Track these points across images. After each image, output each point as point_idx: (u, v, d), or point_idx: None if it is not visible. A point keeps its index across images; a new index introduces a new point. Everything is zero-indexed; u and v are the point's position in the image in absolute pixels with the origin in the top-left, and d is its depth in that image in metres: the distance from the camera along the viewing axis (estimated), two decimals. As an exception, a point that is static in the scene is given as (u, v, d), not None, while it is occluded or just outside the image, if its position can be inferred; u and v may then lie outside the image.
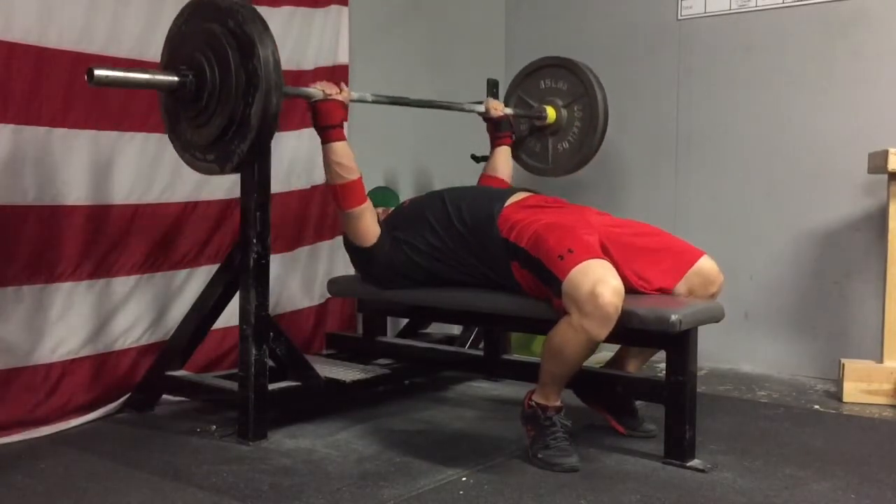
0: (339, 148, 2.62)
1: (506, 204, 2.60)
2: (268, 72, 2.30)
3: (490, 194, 2.74)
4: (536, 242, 2.41)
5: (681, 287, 2.51)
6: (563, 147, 3.55)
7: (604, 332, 2.25)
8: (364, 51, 3.70)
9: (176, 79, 2.40)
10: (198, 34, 2.43)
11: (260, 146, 2.40)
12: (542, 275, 2.38)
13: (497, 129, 3.32)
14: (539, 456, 2.36)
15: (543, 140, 3.58)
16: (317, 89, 2.61)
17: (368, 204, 2.71)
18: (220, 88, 2.37)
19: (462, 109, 3.28)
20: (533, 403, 2.43)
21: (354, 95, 2.75)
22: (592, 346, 2.30)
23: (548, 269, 2.33)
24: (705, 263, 2.53)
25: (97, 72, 2.23)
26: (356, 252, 2.81)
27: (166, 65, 2.53)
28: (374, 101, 2.92)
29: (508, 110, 3.37)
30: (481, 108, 3.28)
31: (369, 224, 2.71)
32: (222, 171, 2.48)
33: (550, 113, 3.49)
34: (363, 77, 3.68)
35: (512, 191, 2.77)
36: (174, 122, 2.56)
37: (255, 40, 2.30)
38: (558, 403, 2.42)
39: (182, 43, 2.48)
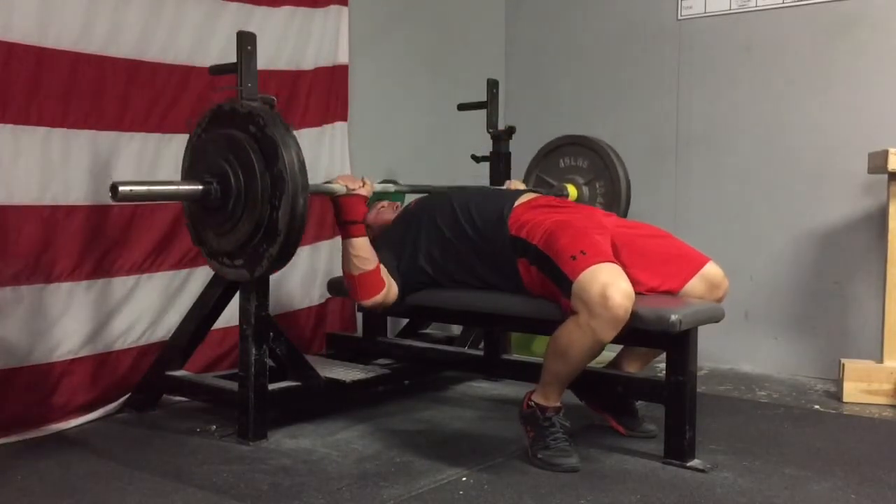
0: (360, 243, 2.58)
1: (516, 204, 2.60)
2: (293, 174, 2.30)
3: (498, 195, 2.74)
4: (549, 240, 2.41)
5: (686, 291, 2.52)
6: None
7: (611, 335, 2.25)
8: (364, 51, 3.70)
9: (200, 187, 2.40)
10: (219, 141, 2.43)
11: (289, 249, 2.38)
12: (552, 273, 2.37)
13: None
14: (539, 456, 2.36)
15: None
16: (340, 185, 2.58)
17: (386, 289, 2.64)
18: (245, 194, 2.36)
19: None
20: (532, 404, 2.43)
21: (378, 188, 2.73)
22: (598, 348, 2.30)
23: (559, 267, 2.33)
24: (711, 269, 2.54)
25: (122, 188, 2.21)
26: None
27: (188, 173, 2.52)
28: (396, 191, 2.92)
29: (528, 188, 3.30)
30: (503, 188, 3.24)
31: (390, 303, 2.68)
32: (252, 277, 2.46)
33: (572, 191, 3.47)
34: (363, 77, 3.69)
35: (521, 192, 2.76)
36: (200, 230, 2.55)
37: (279, 143, 2.31)
38: (558, 404, 2.42)
39: (204, 150, 2.47)
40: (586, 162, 3.49)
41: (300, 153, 2.33)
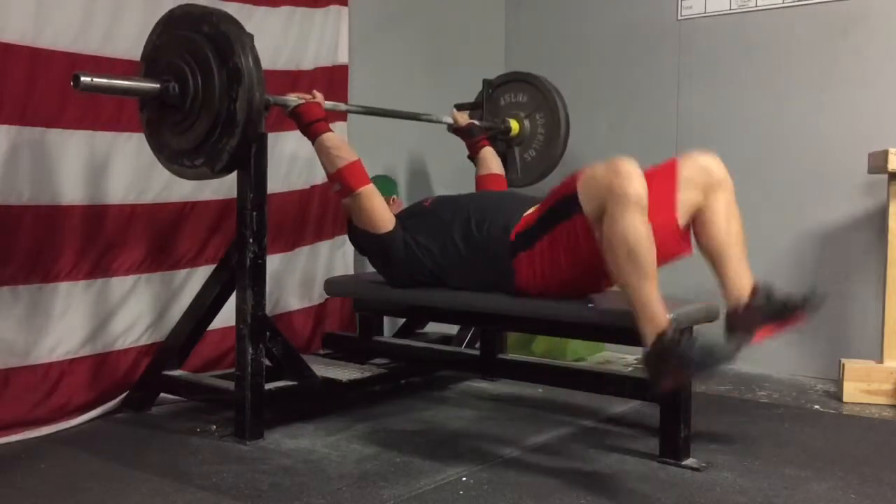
0: (330, 137, 2.69)
1: (522, 217, 2.56)
2: (248, 67, 2.37)
3: (508, 211, 2.67)
4: (543, 207, 2.44)
5: (683, 199, 2.36)
6: (529, 156, 3.66)
7: (640, 189, 2.10)
8: (364, 51, 3.70)
9: (158, 85, 2.45)
10: (174, 43, 2.49)
11: (248, 140, 2.42)
12: (558, 213, 2.35)
13: (468, 136, 3.38)
14: (696, 360, 2.08)
15: (510, 153, 3.67)
16: (291, 97, 2.71)
17: (374, 187, 2.72)
18: (203, 90, 2.42)
19: (430, 121, 3.37)
20: (652, 339, 2.12)
21: (328, 104, 2.80)
22: (643, 216, 2.09)
23: (560, 201, 2.34)
24: (688, 159, 2.42)
25: (83, 77, 2.27)
26: (372, 241, 2.74)
27: (145, 74, 2.56)
28: (346, 111, 2.99)
29: (474, 121, 3.42)
30: (449, 120, 3.38)
31: (381, 207, 2.71)
32: (213, 173, 2.49)
33: (514, 125, 3.61)
34: (363, 77, 3.69)
35: (529, 199, 2.73)
36: (157, 133, 2.58)
37: (233, 39, 2.38)
38: (668, 317, 2.14)
39: (159, 55, 2.53)
40: (526, 96, 3.64)
41: (254, 48, 2.40)
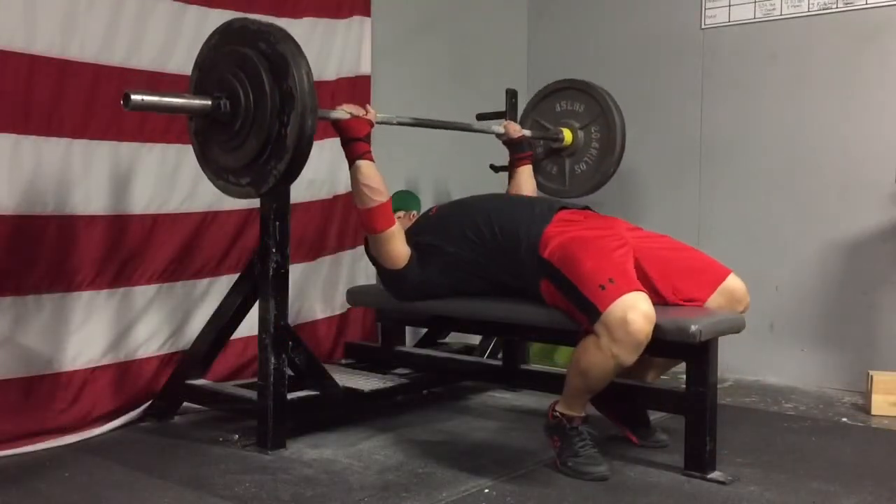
0: (367, 168, 2.58)
1: (548, 224, 2.54)
2: (303, 91, 2.28)
3: (521, 206, 2.70)
4: (565, 259, 2.39)
5: (708, 304, 2.50)
6: (580, 169, 3.56)
7: (632, 358, 2.24)
8: (387, 61, 3.71)
9: (209, 102, 2.39)
10: (228, 58, 2.42)
11: (297, 166, 2.36)
12: (577, 300, 2.33)
13: (516, 150, 3.31)
14: (569, 464, 2.35)
15: (560, 162, 3.59)
16: (343, 111, 2.60)
17: (397, 225, 2.67)
18: (254, 110, 2.35)
19: (481, 131, 3.29)
20: (557, 414, 2.41)
21: (380, 117, 2.74)
22: (619, 370, 2.29)
23: (586, 297, 2.29)
24: (733, 282, 2.52)
25: (133, 96, 2.22)
26: (386, 273, 2.77)
27: (196, 89, 2.51)
28: (398, 123, 2.92)
29: (526, 132, 3.35)
30: (500, 130, 3.27)
31: (399, 246, 2.68)
32: (258, 194, 2.45)
33: (567, 135, 3.49)
34: (385, 88, 3.69)
35: (545, 204, 2.71)
36: (206, 148, 2.54)
37: (290, 60, 2.29)
38: (583, 414, 2.40)
39: (212, 67, 2.47)
40: (583, 106, 3.50)
41: (310, 72, 2.32)
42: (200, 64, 2.53)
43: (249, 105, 2.35)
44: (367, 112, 2.64)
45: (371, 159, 2.60)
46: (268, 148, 2.35)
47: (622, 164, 3.54)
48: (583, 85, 3.52)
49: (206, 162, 2.55)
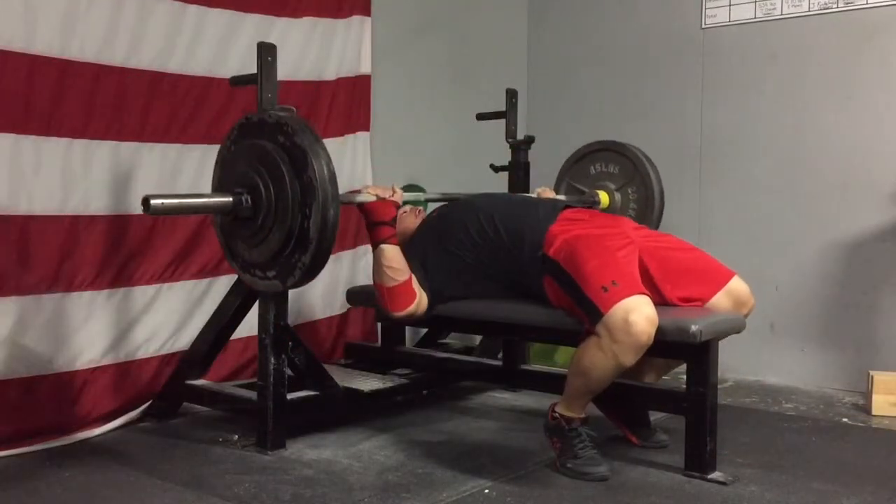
0: (391, 252, 2.53)
1: (553, 222, 2.54)
2: (323, 182, 2.26)
3: (525, 205, 2.69)
4: (569, 257, 2.39)
5: (712, 305, 2.50)
6: None
7: (634, 359, 2.24)
8: (387, 61, 3.71)
9: (230, 199, 2.37)
10: (248, 152, 2.41)
11: (322, 257, 2.34)
12: (579, 299, 2.33)
13: None
14: (568, 466, 2.35)
15: None
16: (370, 195, 2.55)
17: (417, 300, 2.59)
18: (276, 203, 2.34)
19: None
20: (557, 415, 2.41)
21: (407, 196, 2.70)
22: (620, 371, 2.29)
23: (588, 297, 2.29)
24: (737, 284, 2.52)
25: (153, 201, 2.19)
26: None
27: (218, 186, 2.51)
28: (426, 201, 2.89)
29: (560, 197, 3.26)
30: (532, 195, 3.17)
31: (420, 313, 2.63)
32: (285, 288, 2.44)
33: (603, 197, 3.42)
34: (385, 88, 3.69)
35: (549, 202, 2.67)
36: (231, 243, 2.53)
37: (308, 151, 2.28)
38: (583, 415, 2.40)
39: (233, 162, 2.46)
40: (618, 168, 3.44)
41: (330, 162, 2.30)
42: (221, 161, 2.53)
43: (271, 199, 2.34)
44: (393, 193, 2.59)
45: (396, 243, 2.55)
46: (291, 241, 2.34)
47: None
48: (616, 146, 3.44)
49: (233, 257, 2.54)
